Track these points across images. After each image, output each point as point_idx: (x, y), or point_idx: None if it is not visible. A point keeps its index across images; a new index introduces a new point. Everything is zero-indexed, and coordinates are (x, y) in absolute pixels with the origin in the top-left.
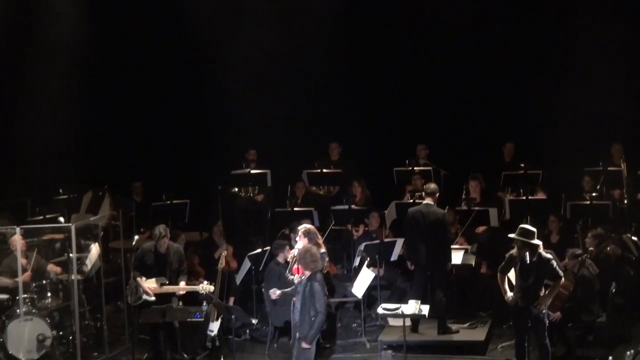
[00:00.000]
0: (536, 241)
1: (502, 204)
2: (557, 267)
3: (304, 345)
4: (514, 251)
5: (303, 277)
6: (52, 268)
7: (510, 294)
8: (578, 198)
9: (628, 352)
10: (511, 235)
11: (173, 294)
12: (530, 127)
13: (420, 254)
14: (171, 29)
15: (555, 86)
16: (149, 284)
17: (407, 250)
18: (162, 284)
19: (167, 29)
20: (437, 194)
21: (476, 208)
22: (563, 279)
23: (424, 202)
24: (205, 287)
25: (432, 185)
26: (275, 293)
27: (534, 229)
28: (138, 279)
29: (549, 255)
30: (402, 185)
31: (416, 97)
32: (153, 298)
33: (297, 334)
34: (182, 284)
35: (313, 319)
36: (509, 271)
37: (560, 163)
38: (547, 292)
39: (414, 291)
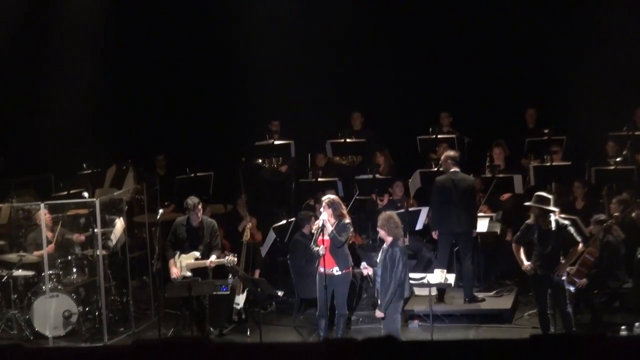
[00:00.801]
0: (553, 207)
1: (526, 170)
2: (574, 233)
3: (377, 314)
4: (530, 220)
5: (385, 245)
6: (77, 238)
7: (527, 263)
8: (602, 163)
9: None
10: (528, 204)
11: (206, 269)
12: (553, 92)
13: (452, 222)
14: (192, 1)
15: (578, 50)
16: (185, 260)
17: (432, 219)
18: (196, 259)
19: (188, 1)
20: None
21: (500, 175)
22: (581, 244)
23: (451, 170)
24: (230, 259)
25: (457, 153)
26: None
27: (550, 196)
28: (171, 260)
29: (566, 222)
30: (426, 153)
31: (438, 65)
32: (189, 274)
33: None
34: (213, 257)
35: (391, 282)
36: (524, 241)
37: (584, 128)
38: (565, 258)
39: (440, 260)
